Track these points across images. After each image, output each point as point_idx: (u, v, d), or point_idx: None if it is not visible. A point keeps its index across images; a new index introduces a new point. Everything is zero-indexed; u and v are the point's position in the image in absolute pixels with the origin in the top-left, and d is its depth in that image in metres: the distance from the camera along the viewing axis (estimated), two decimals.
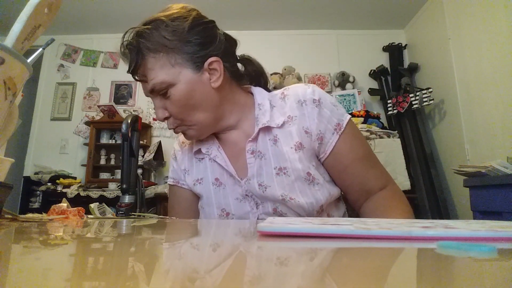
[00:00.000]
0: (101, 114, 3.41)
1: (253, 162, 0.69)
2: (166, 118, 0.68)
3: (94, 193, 2.99)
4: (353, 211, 0.76)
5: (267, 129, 0.70)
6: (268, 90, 0.77)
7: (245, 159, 0.70)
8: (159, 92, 0.66)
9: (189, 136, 0.72)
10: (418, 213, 2.87)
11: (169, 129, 0.71)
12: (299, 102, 0.70)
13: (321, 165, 0.70)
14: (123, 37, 0.67)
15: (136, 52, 0.64)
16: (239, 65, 0.76)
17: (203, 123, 0.69)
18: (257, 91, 0.75)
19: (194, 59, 0.65)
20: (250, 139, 0.69)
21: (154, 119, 3.62)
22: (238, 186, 0.70)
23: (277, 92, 0.75)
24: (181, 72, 0.64)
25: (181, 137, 0.83)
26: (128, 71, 0.67)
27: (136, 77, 0.67)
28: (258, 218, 0.68)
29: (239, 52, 0.78)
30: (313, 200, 0.66)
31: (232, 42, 0.74)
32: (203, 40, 0.66)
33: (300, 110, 0.69)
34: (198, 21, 0.67)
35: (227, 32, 0.76)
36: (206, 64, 0.66)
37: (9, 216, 0.52)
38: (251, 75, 0.78)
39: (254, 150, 0.70)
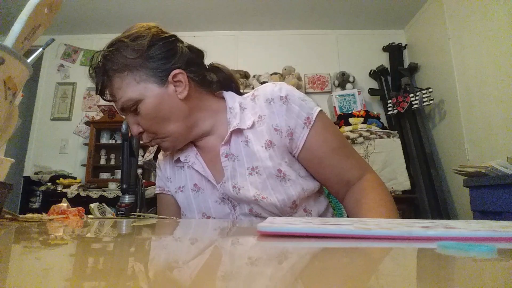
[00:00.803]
0: (101, 114, 3.41)
1: (228, 165, 0.71)
2: (140, 133, 0.71)
3: (94, 193, 2.99)
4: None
5: (238, 131, 0.71)
6: (240, 94, 0.79)
7: (220, 163, 0.72)
8: (129, 109, 0.68)
9: (165, 148, 0.74)
10: (418, 213, 2.87)
11: (144, 143, 0.74)
12: (267, 100, 0.70)
13: (295, 161, 0.70)
14: (91, 60, 0.72)
15: (102, 74, 0.68)
16: (210, 73, 0.79)
17: (175, 134, 0.71)
18: (228, 95, 0.77)
19: (157, 73, 0.67)
20: (223, 142, 0.71)
21: None
22: (215, 190, 0.73)
23: (248, 94, 0.76)
24: (147, 88, 0.67)
25: None
26: (96, 93, 0.71)
27: (104, 98, 0.71)
28: (237, 218, 0.71)
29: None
30: (285, 196, 0.67)
31: (197, 53, 0.78)
32: (164, 54, 0.69)
33: (269, 109, 0.70)
34: (158, 37, 0.70)
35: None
36: (170, 77, 0.68)
37: (9, 216, 0.52)
38: (221, 82, 0.80)
39: (228, 153, 0.71)
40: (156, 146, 3.29)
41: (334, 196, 0.74)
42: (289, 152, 0.70)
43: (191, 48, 0.76)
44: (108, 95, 0.70)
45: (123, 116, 0.73)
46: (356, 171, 0.68)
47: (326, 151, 0.68)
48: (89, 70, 0.72)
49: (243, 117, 0.71)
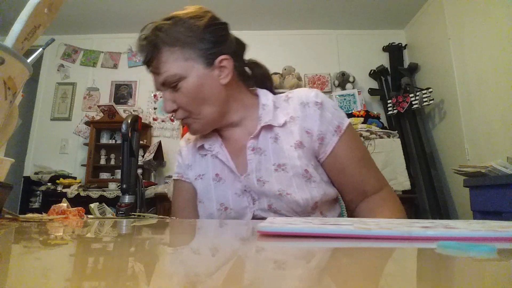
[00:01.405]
0: (101, 114, 3.41)
1: (252, 158, 0.72)
2: (174, 111, 0.72)
3: (94, 193, 2.99)
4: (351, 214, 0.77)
5: (268, 127, 0.73)
6: (274, 93, 0.80)
7: (246, 155, 0.72)
8: (170, 85, 0.69)
9: (194, 130, 0.75)
10: (418, 213, 2.87)
11: (177, 119, 0.74)
12: (302, 104, 0.73)
13: (319, 166, 0.73)
14: (142, 30, 0.73)
15: (153, 45, 0.69)
16: (246, 69, 0.81)
17: (208, 117, 0.72)
18: (263, 92, 0.79)
19: (206, 55, 0.69)
20: (252, 136, 0.72)
21: (154, 119, 3.62)
22: (237, 181, 0.73)
23: (282, 95, 0.78)
24: (193, 66, 0.68)
25: (188, 134, 0.87)
26: (143, 63, 0.72)
27: (150, 69, 0.71)
28: (254, 214, 0.71)
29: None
30: (309, 196, 0.68)
31: (241, 46, 0.79)
32: (216, 39, 0.71)
33: (302, 112, 0.72)
34: (213, 21, 0.72)
35: None
36: (217, 61, 0.70)
37: (9, 216, 0.52)
38: (258, 78, 0.82)
39: (254, 147, 0.72)
40: (156, 146, 3.28)
41: (347, 203, 0.76)
42: (315, 156, 0.72)
43: (236, 39, 0.78)
44: (151, 68, 0.71)
45: (159, 92, 0.74)
46: (375, 183, 0.72)
47: (350, 160, 0.71)
48: (137, 40, 0.73)
49: (276, 115, 0.73)
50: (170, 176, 3.25)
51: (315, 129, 0.70)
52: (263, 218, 0.70)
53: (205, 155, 0.79)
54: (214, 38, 0.70)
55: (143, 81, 3.72)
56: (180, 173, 0.84)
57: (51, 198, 2.98)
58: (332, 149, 0.70)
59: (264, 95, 0.78)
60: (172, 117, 0.78)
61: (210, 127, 0.75)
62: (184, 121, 0.73)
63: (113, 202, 2.83)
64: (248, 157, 0.72)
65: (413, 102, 2.96)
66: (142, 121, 3.36)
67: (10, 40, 0.43)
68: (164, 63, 0.68)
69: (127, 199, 0.75)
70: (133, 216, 0.71)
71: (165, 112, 0.72)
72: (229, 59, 0.71)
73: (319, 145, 0.71)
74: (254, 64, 0.83)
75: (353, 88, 3.41)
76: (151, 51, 0.69)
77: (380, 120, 3.08)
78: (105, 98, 3.71)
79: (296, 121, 0.72)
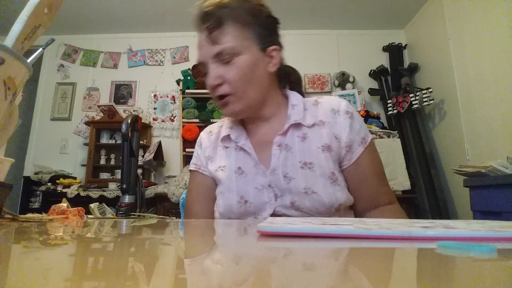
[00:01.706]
0: (101, 114, 3.41)
1: (277, 153, 0.74)
2: (217, 85, 0.72)
3: (94, 193, 2.99)
4: None
5: (297, 126, 0.76)
6: (303, 96, 0.84)
7: (270, 151, 0.74)
8: (223, 57, 0.70)
9: (231, 110, 0.74)
10: (418, 213, 2.87)
11: (216, 95, 0.73)
12: (333, 110, 0.77)
13: (341, 173, 0.75)
14: (203, 1, 0.74)
15: (218, 16, 0.70)
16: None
17: (250, 100, 0.73)
18: (293, 94, 0.82)
19: (262, 40, 0.73)
20: (280, 132, 0.75)
21: (154, 119, 3.62)
22: (260, 176, 0.74)
23: (311, 99, 0.82)
24: (250, 46, 0.72)
25: (211, 126, 0.89)
26: (204, 28, 0.72)
27: (208, 39, 0.72)
28: (274, 210, 0.71)
29: None
30: (334, 197, 0.70)
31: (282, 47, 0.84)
32: (273, 29, 0.76)
33: (332, 118, 0.76)
34: (271, 13, 0.77)
35: None
36: (269, 49, 0.74)
37: (9, 216, 0.52)
38: (292, 82, 0.88)
39: (281, 143, 0.74)
40: (156, 146, 3.27)
41: (357, 212, 0.78)
42: (339, 162, 0.75)
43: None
44: (209, 38, 0.71)
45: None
46: (387, 198, 0.76)
47: (370, 172, 0.75)
48: (200, 6, 0.73)
49: (305, 116, 0.76)
50: (170, 176, 3.24)
51: (343, 136, 0.74)
52: (283, 215, 0.71)
53: (227, 147, 0.80)
54: (271, 27, 0.75)
55: (143, 81, 3.73)
56: (198, 164, 0.84)
57: (51, 198, 2.98)
58: (357, 158, 0.74)
59: (294, 96, 0.81)
60: (211, 92, 0.77)
61: (247, 111, 0.75)
62: (224, 99, 0.73)
63: (113, 202, 2.83)
64: (273, 151, 0.74)
65: (413, 102, 2.96)
66: (142, 121, 3.36)
67: (10, 40, 0.43)
68: (225, 35, 0.70)
69: (127, 199, 0.75)
70: (133, 216, 0.71)
71: (207, 86, 0.72)
72: (279, 50, 0.76)
73: (346, 152, 0.74)
74: (291, 69, 0.89)
75: (353, 88, 3.41)
76: (214, 21, 0.70)
77: (380, 120, 3.08)
78: (105, 98, 3.71)
79: (326, 126, 0.75)
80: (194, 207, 0.82)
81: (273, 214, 0.71)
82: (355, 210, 0.78)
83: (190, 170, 0.86)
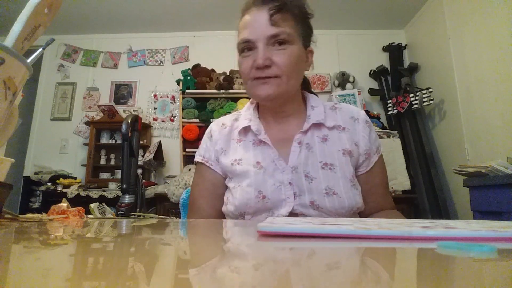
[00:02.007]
0: (101, 114, 3.41)
1: (297, 151, 0.75)
2: (265, 66, 0.72)
3: (94, 193, 2.99)
4: None
5: (318, 126, 0.78)
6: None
7: (289, 148, 0.75)
8: (279, 39, 0.72)
9: (270, 91, 0.73)
10: (418, 213, 2.87)
11: (259, 76, 0.73)
12: (353, 118, 0.80)
13: (356, 178, 0.78)
14: None
15: (283, 1, 0.73)
16: None
17: (290, 88, 0.75)
18: (311, 96, 0.85)
19: (305, 39, 0.77)
20: (302, 130, 0.76)
21: (154, 119, 3.62)
22: (279, 172, 0.74)
23: (328, 103, 0.85)
24: (299, 41, 0.75)
25: (223, 119, 0.88)
26: (267, 8, 0.73)
27: (269, 19, 0.73)
28: (293, 209, 0.70)
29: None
30: (353, 200, 0.71)
31: None
32: (311, 33, 0.81)
33: (352, 125, 0.79)
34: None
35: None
36: (308, 49, 0.79)
37: (9, 216, 0.52)
38: (304, 83, 0.89)
39: (301, 141, 0.76)
40: (156, 146, 3.26)
41: (361, 215, 0.80)
42: (355, 168, 0.78)
43: None
44: (270, 18, 0.72)
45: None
46: (390, 204, 0.81)
47: (381, 181, 0.80)
48: None
49: (326, 117, 0.79)
50: (170, 176, 3.24)
51: (362, 144, 0.77)
52: (301, 214, 0.71)
53: (242, 141, 0.79)
54: (311, 31, 0.80)
55: (143, 81, 3.73)
56: (206, 157, 0.83)
57: (51, 198, 2.98)
58: (372, 166, 0.78)
59: (313, 98, 0.84)
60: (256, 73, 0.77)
61: (281, 98, 0.75)
62: (270, 80, 0.73)
63: (113, 202, 2.83)
64: (293, 148, 0.75)
65: (413, 102, 2.96)
66: (142, 121, 3.36)
67: (10, 40, 0.43)
68: (285, 21, 0.73)
69: (127, 199, 0.75)
70: (133, 216, 0.71)
71: (257, 64, 0.71)
72: (313, 54, 0.81)
73: (364, 159, 0.78)
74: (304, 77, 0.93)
75: (353, 88, 3.41)
76: (280, 5, 0.72)
77: (380, 120, 3.08)
78: (105, 98, 3.71)
79: (346, 131, 0.78)
80: (199, 201, 0.81)
81: (291, 213, 0.70)
82: (360, 214, 0.79)
83: (196, 162, 0.85)
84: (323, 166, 0.73)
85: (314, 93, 0.88)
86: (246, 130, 0.80)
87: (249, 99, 0.88)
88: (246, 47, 0.75)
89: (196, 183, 0.84)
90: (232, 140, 0.81)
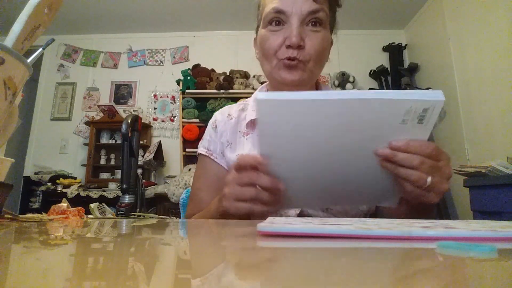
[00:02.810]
0: (101, 114, 3.41)
1: None
2: (298, 47, 0.65)
3: (94, 193, 2.99)
4: None
5: None
6: None
7: None
8: (315, 18, 0.66)
9: (298, 77, 0.67)
10: None
11: (287, 56, 0.66)
12: None
13: None
14: None
15: None
16: None
17: (313, 77, 0.70)
18: (323, 85, 0.79)
19: (332, 27, 0.73)
20: None
21: (154, 119, 3.62)
22: None
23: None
24: (328, 28, 0.70)
25: (228, 108, 0.82)
26: None
27: None
28: (301, 210, 0.67)
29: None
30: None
31: None
32: (336, 24, 0.75)
33: None
34: None
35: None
36: (332, 37, 0.74)
37: (9, 216, 0.52)
38: None
39: None
40: (156, 146, 3.25)
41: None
42: None
43: None
44: None
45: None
46: None
47: None
48: None
49: None
50: (170, 176, 3.25)
51: None
52: (310, 216, 0.65)
53: (248, 134, 0.74)
54: (335, 21, 0.74)
55: (143, 81, 3.73)
56: (210, 150, 0.77)
57: (51, 198, 2.98)
58: None
59: (324, 87, 0.79)
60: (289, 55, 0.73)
61: (306, 85, 0.70)
62: (293, 63, 0.66)
63: (113, 202, 2.83)
64: None
65: None
66: (142, 121, 3.36)
67: (10, 40, 0.43)
68: (323, 2, 0.66)
69: (127, 199, 0.75)
70: (133, 216, 0.71)
71: (290, 42, 0.64)
72: (332, 45, 0.74)
73: None
74: None
75: (353, 88, 3.41)
76: None
77: None
78: (105, 98, 3.71)
79: None
80: (201, 194, 0.75)
81: (301, 214, 0.66)
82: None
83: (199, 154, 0.79)
84: None
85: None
86: (254, 122, 0.73)
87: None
88: (276, 18, 0.66)
89: (199, 176, 0.78)
90: (238, 132, 0.76)
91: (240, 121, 0.77)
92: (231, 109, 0.81)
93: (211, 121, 0.81)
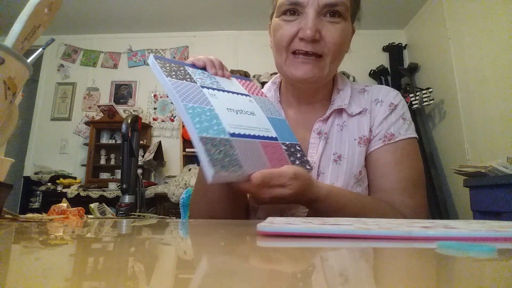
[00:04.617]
0: (101, 114, 3.41)
1: (317, 143, 0.66)
2: (314, 40, 0.60)
3: (94, 193, 2.99)
4: None
5: (339, 113, 0.68)
6: None
7: (307, 139, 0.66)
8: (333, 10, 0.60)
9: (312, 73, 0.62)
10: None
11: (305, 51, 0.61)
12: (376, 100, 0.69)
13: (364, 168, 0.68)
14: None
15: None
16: None
17: (331, 72, 0.65)
18: (340, 76, 0.74)
19: (353, 17, 0.67)
20: (321, 118, 0.67)
21: (154, 119, 3.62)
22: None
23: (358, 86, 0.73)
24: (349, 17, 0.64)
25: None
26: None
27: None
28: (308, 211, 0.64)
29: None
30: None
31: None
32: (358, 10, 0.69)
33: (374, 108, 0.68)
34: None
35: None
36: (352, 26, 0.68)
37: (9, 216, 0.52)
38: None
39: (321, 131, 0.67)
40: (156, 146, 3.26)
41: None
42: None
43: None
44: None
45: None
46: (407, 207, 0.65)
47: (388, 171, 0.64)
48: None
49: (351, 103, 0.68)
50: (170, 176, 3.25)
51: (374, 128, 0.67)
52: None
53: None
54: (358, 7, 0.68)
55: (143, 81, 3.73)
56: None
57: (51, 198, 2.98)
58: (372, 152, 0.65)
59: (342, 79, 0.72)
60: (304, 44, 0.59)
61: (322, 81, 0.66)
62: (314, 59, 0.61)
63: (113, 202, 2.84)
64: (312, 140, 0.66)
65: (413, 102, 2.96)
66: (142, 121, 3.36)
67: (10, 40, 0.43)
68: None
69: (127, 199, 0.75)
70: (133, 216, 0.71)
71: (304, 35, 0.58)
72: (354, 33, 0.68)
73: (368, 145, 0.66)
74: None
75: None
76: None
77: None
78: (105, 98, 3.71)
79: (367, 115, 0.67)
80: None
81: (309, 214, 0.63)
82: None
83: None
84: (336, 159, 0.64)
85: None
86: None
87: None
88: (291, 8, 0.61)
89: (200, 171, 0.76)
90: None
91: None
92: None
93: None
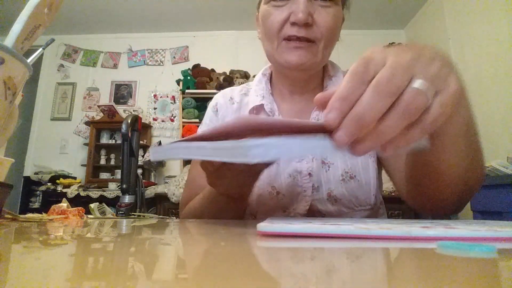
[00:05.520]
0: (101, 114, 3.41)
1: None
2: (306, 24, 0.57)
3: (94, 193, 2.99)
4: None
5: None
6: None
7: None
8: None
9: (306, 59, 0.59)
10: (418, 213, 2.87)
11: (297, 37, 0.58)
12: None
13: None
14: None
15: None
16: None
17: (324, 58, 0.63)
18: (332, 63, 0.72)
19: (344, 2, 0.65)
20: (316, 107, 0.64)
21: (154, 119, 3.62)
22: (296, 161, 0.63)
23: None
24: (340, 3, 0.62)
25: (230, 91, 0.76)
26: None
27: None
28: (310, 205, 0.62)
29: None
30: (373, 181, 0.61)
31: None
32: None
33: None
34: None
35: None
36: (344, 10, 0.66)
37: (9, 216, 0.52)
38: None
39: (319, 120, 0.64)
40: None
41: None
42: None
43: None
44: None
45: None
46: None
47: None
48: None
49: None
50: (170, 176, 3.25)
51: None
52: (319, 214, 0.61)
53: None
54: None
55: (143, 81, 3.73)
56: None
57: (51, 198, 2.98)
58: None
59: (331, 65, 0.71)
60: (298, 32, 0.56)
61: (315, 68, 0.64)
62: (306, 45, 0.59)
63: (113, 202, 2.84)
64: None
65: None
66: (142, 121, 3.36)
67: (10, 40, 0.43)
68: None
69: (127, 199, 0.75)
70: (133, 216, 0.71)
71: (296, 19, 0.56)
72: (344, 21, 0.65)
73: None
74: None
75: None
76: None
77: None
78: (105, 98, 3.71)
79: None
80: (200, 180, 0.66)
81: (309, 210, 0.61)
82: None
83: None
84: None
85: None
86: (258, 109, 0.67)
87: None
88: None
89: (197, 161, 0.71)
90: None
91: (242, 106, 0.71)
92: (233, 92, 0.75)
93: (211, 104, 0.75)
